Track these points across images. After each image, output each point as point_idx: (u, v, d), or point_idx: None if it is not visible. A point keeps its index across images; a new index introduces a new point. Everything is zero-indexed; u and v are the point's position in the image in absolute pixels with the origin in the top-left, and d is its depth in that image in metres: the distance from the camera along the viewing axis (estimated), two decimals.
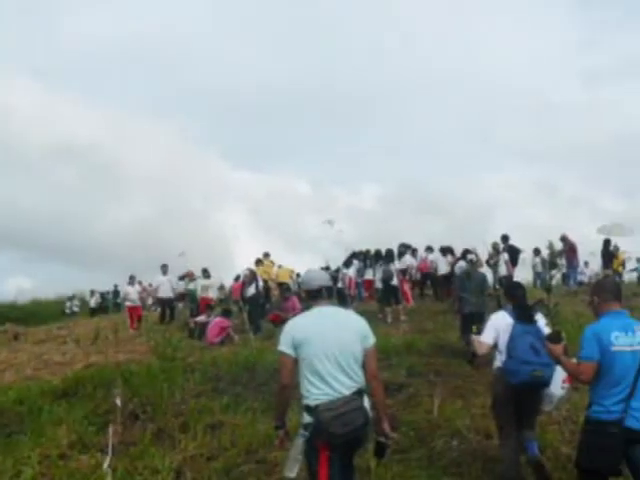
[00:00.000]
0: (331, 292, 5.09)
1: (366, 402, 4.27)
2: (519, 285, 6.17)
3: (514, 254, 16.83)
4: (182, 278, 20.76)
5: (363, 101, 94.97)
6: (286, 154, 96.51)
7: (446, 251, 18.42)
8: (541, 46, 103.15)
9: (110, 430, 6.53)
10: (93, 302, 31.22)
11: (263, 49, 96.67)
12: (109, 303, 31.57)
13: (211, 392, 9.20)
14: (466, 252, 15.02)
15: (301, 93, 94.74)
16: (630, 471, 4.13)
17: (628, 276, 23.56)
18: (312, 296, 4.48)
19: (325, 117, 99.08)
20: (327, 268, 19.76)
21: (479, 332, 5.82)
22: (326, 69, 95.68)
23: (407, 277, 18.52)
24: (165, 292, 19.84)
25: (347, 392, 4.14)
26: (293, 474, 4.15)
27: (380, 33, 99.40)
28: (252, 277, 17.12)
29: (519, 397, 5.44)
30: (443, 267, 18.17)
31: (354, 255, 19.95)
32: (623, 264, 22.46)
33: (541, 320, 5.65)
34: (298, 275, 20.36)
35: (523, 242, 18.45)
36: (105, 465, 6.07)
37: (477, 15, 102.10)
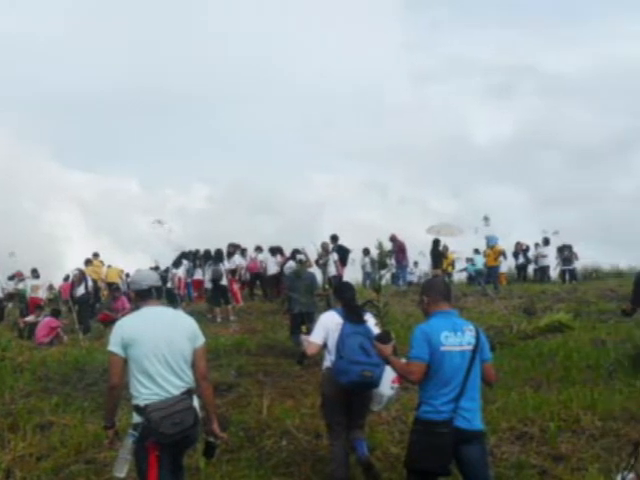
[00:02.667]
0: (160, 292, 4.98)
1: (196, 402, 4.33)
2: (348, 285, 6.17)
3: (343, 254, 17.22)
4: (11, 278, 20.35)
5: (195, 101, 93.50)
6: (117, 154, 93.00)
7: (275, 251, 18.50)
8: (371, 47, 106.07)
9: None
10: None
11: (95, 48, 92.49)
12: None
13: (41, 392, 9.11)
14: (295, 252, 15.22)
15: (133, 93, 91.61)
16: (459, 471, 4.20)
17: (457, 276, 24.56)
18: (141, 296, 4.47)
19: (157, 117, 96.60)
20: (156, 268, 19.59)
21: (309, 332, 5.84)
22: (159, 68, 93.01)
23: (236, 277, 18.53)
24: None
25: (176, 392, 4.17)
26: (122, 474, 4.15)
27: (215, 33, 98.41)
28: (81, 277, 17.31)
29: (348, 397, 5.45)
30: (272, 267, 18.20)
31: (183, 255, 19.82)
32: (452, 264, 23.43)
33: (371, 320, 5.68)
34: (127, 275, 20.34)
35: (352, 242, 18.97)
36: None
37: (307, 15, 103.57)
